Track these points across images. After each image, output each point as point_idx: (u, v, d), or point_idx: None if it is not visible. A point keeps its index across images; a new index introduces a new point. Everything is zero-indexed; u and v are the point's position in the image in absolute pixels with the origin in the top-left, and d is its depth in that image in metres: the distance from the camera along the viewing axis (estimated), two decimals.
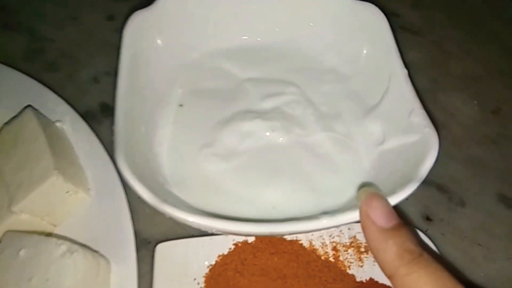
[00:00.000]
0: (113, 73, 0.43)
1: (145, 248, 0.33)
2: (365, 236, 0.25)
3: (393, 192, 0.26)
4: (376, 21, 0.36)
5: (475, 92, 0.44)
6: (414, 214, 0.36)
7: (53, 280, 0.26)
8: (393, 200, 0.26)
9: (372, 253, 0.24)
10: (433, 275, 0.22)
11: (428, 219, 0.36)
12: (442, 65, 0.46)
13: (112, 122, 0.40)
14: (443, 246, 0.34)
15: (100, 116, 0.41)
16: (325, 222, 0.26)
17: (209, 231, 0.28)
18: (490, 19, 0.51)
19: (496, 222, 0.36)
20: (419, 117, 0.30)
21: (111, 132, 0.37)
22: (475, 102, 0.43)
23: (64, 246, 0.26)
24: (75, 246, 0.27)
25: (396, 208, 0.25)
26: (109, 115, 0.41)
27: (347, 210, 0.26)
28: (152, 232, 0.34)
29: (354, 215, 0.26)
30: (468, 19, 0.51)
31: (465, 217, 0.36)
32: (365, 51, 0.37)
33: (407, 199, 0.26)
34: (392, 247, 0.23)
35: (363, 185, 0.27)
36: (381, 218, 0.24)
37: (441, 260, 0.23)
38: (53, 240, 0.27)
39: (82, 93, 0.42)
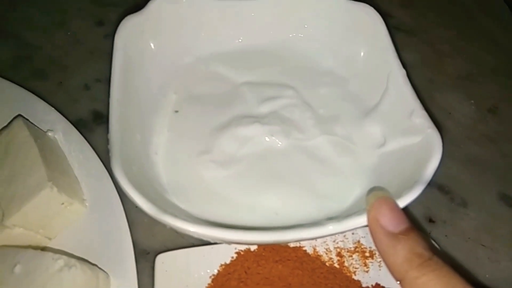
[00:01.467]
0: (104, 80, 0.43)
1: (144, 259, 0.32)
2: (374, 240, 0.24)
3: (399, 195, 0.26)
4: (372, 21, 0.35)
5: (471, 91, 0.44)
6: (417, 216, 0.35)
7: None
8: (400, 203, 0.25)
9: (381, 257, 0.24)
10: (443, 278, 0.21)
11: (431, 221, 0.35)
12: (436, 64, 0.46)
13: (105, 130, 0.39)
14: (447, 248, 0.34)
15: (92, 124, 0.40)
16: (331, 228, 0.25)
17: (212, 241, 0.27)
18: (480, 17, 0.51)
19: (498, 222, 0.35)
20: (421, 118, 0.30)
21: (105, 141, 0.36)
22: (472, 101, 0.43)
23: (61, 261, 0.25)
24: (73, 261, 0.26)
25: (404, 211, 0.25)
26: (101, 123, 0.40)
27: (354, 215, 0.25)
28: (150, 243, 0.33)
29: (361, 220, 0.25)
30: (459, 18, 0.51)
31: (467, 217, 0.36)
32: (362, 52, 0.36)
33: None
34: (401, 251, 0.23)
35: (373, 189, 0.27)
36: (390, 222, 0.24)
37: (451, 263, 0.22)
38: (49, 254, 0.26)
39: (72, 101, 0.41)
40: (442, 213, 0.36)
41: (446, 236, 0.35)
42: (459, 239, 0.34)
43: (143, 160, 0.31)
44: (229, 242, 0.28)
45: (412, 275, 0.22)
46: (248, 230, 0.25)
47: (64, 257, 0.26)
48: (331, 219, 0.26)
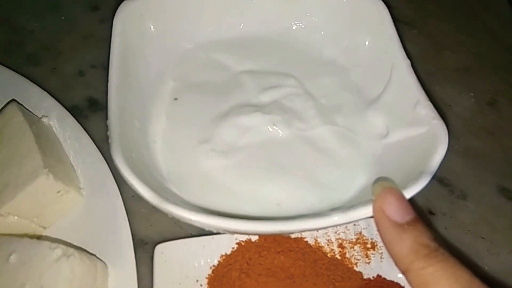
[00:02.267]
0: (100, 66, 0.42)
1: (142, 249, 0.31)
2: (379, 230, 0.24)
3: (404, 186, 0.25)
4: (377, 11, 0.35)
5: (471, 84, 0.44)
6: (417, 208, 0.35)
7: (47, 287, 0.24)
8: (406, 195, 0.25)
9: (386, 247, 0.23)
10: (450, 269, 0.21)
11: (431, 213, 0.35)
12: (437, 57, 0.46)
13: (100, 118, 0.38)
14: (447, 240, 0.33)
15: (87, 111, 0.39)
16: (336, 219, 0.25)
17: (214, 231, 0.27)
18: (480, 11, 0.51)
19: (497, 214, 0.35)
20: (426, 109, 0.30)
21: (101, 128, 0.35)
22: (471, 94, 0.43)
23: (59, 250, 0.24)
24: (71, 250, 0.25)
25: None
26: (97, 110, 0.39)
27: (359, 205, 0.25)
28: (148, 232, 0.32)
29: (367, 211, 0.25)
30: (459, 11, 0.50)
31: (467, 210, 0.36)
32: (366, 42, 0.36)
33: None
34: (407, 241, 0.22)
35: (379, 179, 0.26)
36: (396, 213, 0.23)
37: (457, 255, 0.22)
38: (47, 243, 0.25)
39: (67, 88, 0.40)
40: (442, 205, 0.36)
41: (446, 228, 0.34)
42: (459, 232, 0.34)
43: (142, 149, 0.30)
44: (232, 232, 0.27)
45: (418, 265, 0.21)
46: (252, 220, 0.25)
47: (62, 246, 0.25)
48: (334, 209, 0.26)
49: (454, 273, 0.21)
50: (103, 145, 0.34)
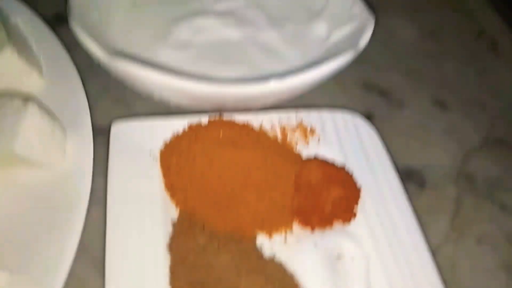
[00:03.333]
0: None
1: (102, 135, 0.33)
2: None
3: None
4: None
5: (415, 17, 0.47)
6: (356, 112, 0.38)
7: (5, 135, 0.25)
8: (336, 63, 0.28)
9: None
10: None
11: (370, 116, 0.38)
12: None
13: (67, 31, 0.40)
14: (383, 138, 0.37)
15: (54, 25, 0.41)
16: (272, 84, 0.28)
17: (165, 96, 0.29)
18: None
19: (431, 120, 0.39)
20: (358, 8, 0.33)
21: (67, 39, 0.37)
22: (416, 25, 0.47)
23: (19, 101, 0.27)
24: (31, 102, 0.27)
25: None
26: (63, 23, 0.41)
27: (295, 72, 0.28)
28: (108, 123, 0.34)
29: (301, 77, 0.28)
30: None
31: (404, 116, 0.39)
32: None
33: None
34: None
35: None
36: None
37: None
38: (7, 96, 0.27)
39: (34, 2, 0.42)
40: (380, 112, 0.39)
41: (384, 129, 0.38)
42: (395, 132, 0.37)
43: (102, 38, 0.33)
44: (180, 96, 0.30)
45: None
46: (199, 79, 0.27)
47: (21, 97, 0.27)
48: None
49: None
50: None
